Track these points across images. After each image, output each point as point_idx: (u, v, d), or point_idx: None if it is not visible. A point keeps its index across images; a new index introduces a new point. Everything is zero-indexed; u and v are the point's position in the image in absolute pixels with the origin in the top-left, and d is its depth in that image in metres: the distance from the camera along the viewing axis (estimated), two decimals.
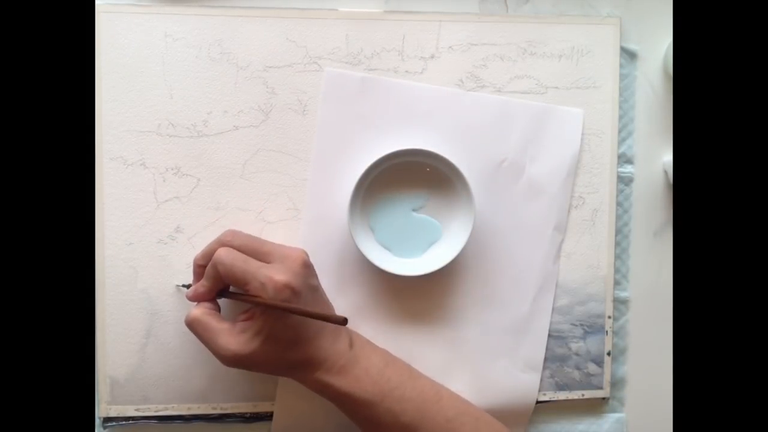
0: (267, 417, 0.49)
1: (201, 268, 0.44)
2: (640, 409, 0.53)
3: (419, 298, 0.50)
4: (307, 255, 0.43)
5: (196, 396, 0.49)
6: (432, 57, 0.50)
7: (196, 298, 0.44)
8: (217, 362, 0.49)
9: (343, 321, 0.40)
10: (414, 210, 0.49)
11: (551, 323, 0.51)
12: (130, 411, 0.48)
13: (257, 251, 0.43)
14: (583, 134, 0.51)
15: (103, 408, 0.48)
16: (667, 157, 0.53)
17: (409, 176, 0.48)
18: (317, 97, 0.49)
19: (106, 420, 0.48)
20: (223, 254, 0.41)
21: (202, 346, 0.49)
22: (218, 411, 0.49)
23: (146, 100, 0.47)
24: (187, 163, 0.48)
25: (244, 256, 0.42)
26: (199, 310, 0.43)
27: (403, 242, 0.49)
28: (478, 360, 0.50)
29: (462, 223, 0.47)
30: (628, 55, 0.52)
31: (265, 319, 0.41)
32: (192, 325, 0.43)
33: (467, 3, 0.51)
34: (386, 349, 0.47)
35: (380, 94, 0.49)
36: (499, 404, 0.50)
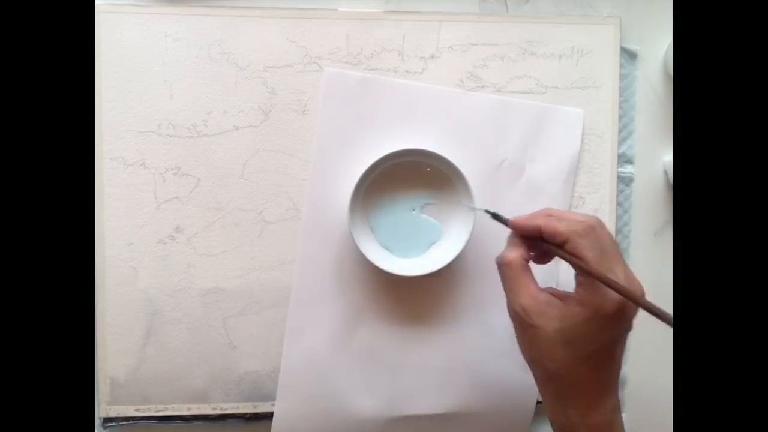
0: (267, 417, 0.49)
1: (544, 216, 0.39)
2: (640, 409, 0.53)
3: (419, 298, 0.50)
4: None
5: (196, 396, 0.49)
6: (432, 57, 0.50)
7: (521, 226, 0.39)
8: (218, 362, 0.49)
9: (671, 320, 0.34)
10: (414, 210, 0.49)
11: None
12: (130, 411, 0.48)
13: (609, 256, 0.37)
14: (583, 134, 0.51)
15: (103, 408, 0.48)
16: (667, 157, 0.53)
17: (409, 176, 0.48)
18: (317, 97, 0.49)
19: (106, 420, 0.48)
20: (595, 223, 0.37)
21: (202, 346, 0.49)
22: (218, 411, 0.49)
23: (146, 100, 0.47)
24: (187, 163, 0.48)
25: (600, 248, 0.37)
26: (516, 255, 0.39)
27: (403, 242, 0.49)
28: (479, 360, 0.50)
29: (462, 223, 0.47)
30: (628, 55, 0.52)
31: (578, 312, 0.36)
32: (504, 267, 0.39)
33: (467, 3, 0.51)
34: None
35: (380, 94, 0.49)
36: (500, 404, 0.50)
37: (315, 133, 0.49)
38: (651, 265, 0.53)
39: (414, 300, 0.50)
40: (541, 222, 0.38)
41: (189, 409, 0.49)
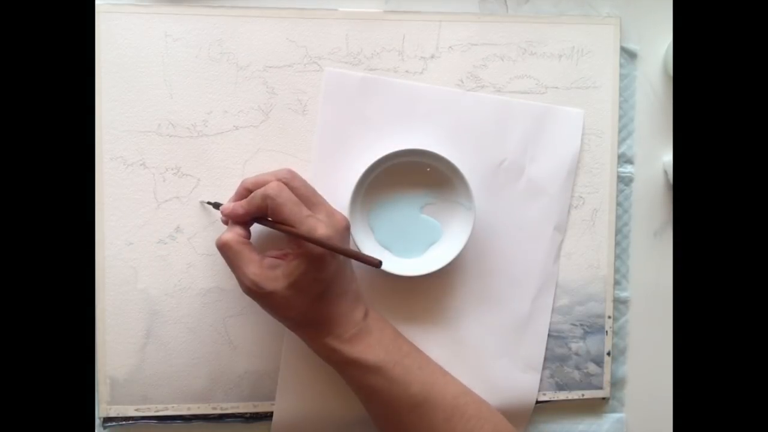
0: (267, 417, 0.49)
1: (246, 192, 0.43)
2: (640, 409, 0.53)
3: (419, 298, 0.50)
4: (349, 223, 0.43)
5: (196, 396, 0.49)
6: (432, 57, 0.50)
7: (231, 216, 0.42)
8: (217, 362, 0.49)
9: (378, 263, 0.40)
10: (414, 210, 0.49)
11: (551, 323, 0.51)
12: (130, 411, 0.48)
13: (308, 200, 0.42)
14: (583, 134, 0.51)
15: (103, 408, 0.48)
16: (667, 157, 0.53)
17: (409, 176, 0.48)
18: (317, 97, 0.49)
19: (106, 420, 0.48)
20: (277, 190, 0.40)
21: (202, 346, 0.49)
22: (218, 411, 0.49)
23: (146, 100, 0.47)
24: (187, 163, 0.48)
25: (296, 198, 0.41)
26: (232, 235, 0.42)
27: (403, 242, 0.49)
28: (478, 360, 0.50)
29: (462, 223, 0.47)
30: (628, 55, 0.52)
31: (298, 265, 0.40)
32: (223, 248, 0.42)
33: (467, 3, 0.51)
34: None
35: (380, 94, 0.49)
36: (499, 404, 0.50)
37: (315, 133, 0.49)
38: (651, 265, 0.53)
39: (414, 300, 0.50)
40: (237, 208, 0.42)
41: (189, 409, 0.49)
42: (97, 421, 0.48)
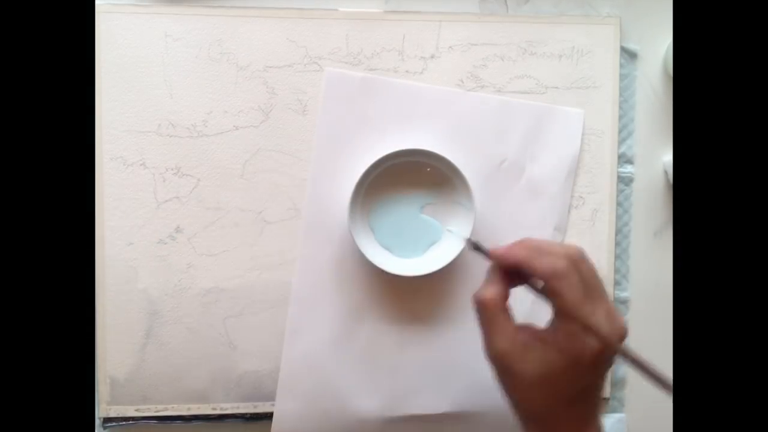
0: (267, 417, 0.49)
1: (524, 248, 0.37)
2: (640, 409, 0.53)
3: (419, 298, 0.50)
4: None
5: (196, 396, 0.49)
6: (432, 57, 0.50)
7: (501, 257, 0.37)
8: (218, 362, 0.49)
9: (671, 388, 0.33)
10: (414, 210, 0.49)
11: None
12: (130, 411, 0.48)
13: (591, 290, 0.36)
14: (583, 134, 0.51)
15: (103, 408, 0.48)
16: (667, 157, 0.53)
17: (410, 176, 0.48)
18: (317, 97, 0.49)
19: (106, 420, 0.48)
20: (569, 269, 0.35)
21: (202, 346, 0.49)
22: (218, 411, 0.49)
23: (146, 100, 0.47)
24: (187, 163, 0.48)
25: (582, 287, 0.35)
26: (493, 295, 0.37)
27: (403, 242, 0.49)
28: (478, 360, 0.50)
29: (462, 223, 0.47)
30: (628, 55, 0.52)
31: (557, 360, 0.35)
32: (481, 306, 0.37)
33: (467, 3, 0.51)
34: None
35: (380, 94, 0.49)
36: (500, 404, 0.50)
37: (315, 133, 0.49)
38: (651, 265, 0.53)
39: (414, 300, 0.50)
40: (521, 256, 0.37)
41: (189, 409, 0.49)
42: (97, 421, 0.48)
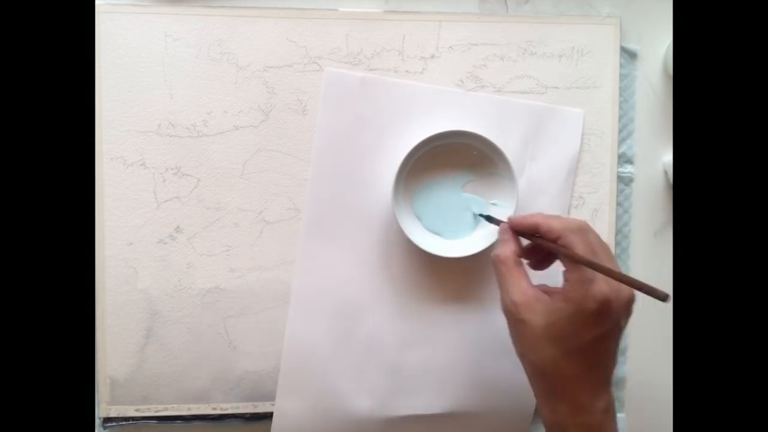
0: (267, 417, 0.49)
1: (538, 224, 0.40)
2: (640, 409, 0.53)
3: (419, 298, 0.50)
4: None
5: (196, 396, 0.49)
6: (432, 57, 0.50)
7: (517, 223, 0.41)
8: (218, 362, 0.49)
9: (665, 296, 0.33)
10: (456, 190, 0.49)
11: None
12: (130, 411, 0.48)
13: (599, 257, 0.38)
14: (583, 134, 0.51)
15: (103, 408, 0.48)
16: (667, 157, 0.53)
17: (444, 160, 0.48)
18: (317, 97, 0.49)
19: (106, 420, 0.48)
20: (583, 229, 0.38)
21: (202, 346, 0.49)
22: (218, 411, 0.49)
23: (146, 100, 0.47)
24: (187, 163, 0.48)
25: (590, 249, 0.38)
26: (509, 252, 0.41)
27: (450, 224, 0.49)
28: (479, 359, 0.50)
29: (506, 195, 0.48)
30: (628, 55, 0.52)
31: (563, 308, 0.37)
32: (500, 263, 0.40)
33: (467, 3, 0.51)
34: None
35: (380, 94, 0.49)
36: (500, 404, 0.50)
37: (315, 133, 0.49)
38: (651, 265, 0.53)
39: (414, 300, 0.50)
40: (538, 218, 0.41)
41: (189, 409, 0.49)
42: (97, 421, 0.48)
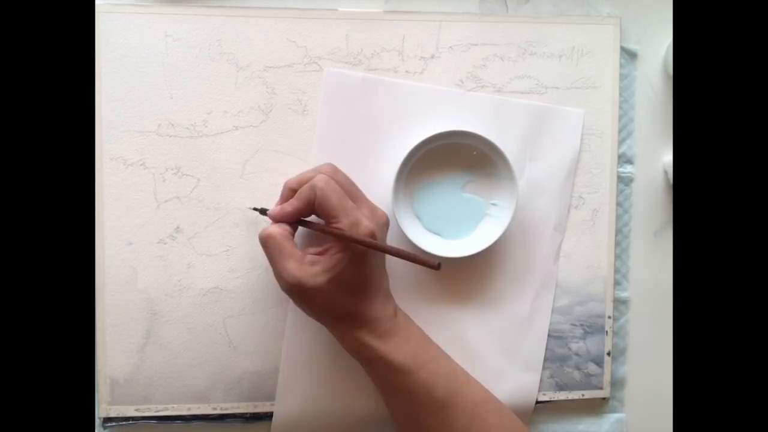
0: (267, 417, 0.49)
1: (291, 191, 0.43)
2: (640, 409, 0.53)
3: (419, 297, 0.50)
4: (389, 218, 0.44)
5: (196, 396, 0.49)
6: (432, 57, 0.50)
7: (281, 217, 0.43)
8: (218, 362, 0.49)
9: (438, 265, 0.40)
10: (456, 191, 0.49)
11: (551, 323, 0.51)
12: (130, 411, 0.48)
13: (351, 194, 0.43)
14: (583, 134, 0.51)
15: (103, 408, 0.48)
16: (667, 157, 0.53)
17: (445, 160, 0.48)
18: (317, 97, 0.49)
19: (106, 420, 0.48)
20: (324, 182, 0.41)
21: (202, 346, 0.49)
22: (218, 411, 0.49)
23: (146, 100, 0.47)
24: (187, 163, 0.48)
25: (342, 191, 0.42)
26: (277, 228, 0.42)
27: (450, 224, 0.49)
28: (478, 359, 0.50)
29: (505, 194, 0.48)
30: (628, 55, 0.52)
31: (340, 260, 0.41)
32: (266, 240, 0.42)
33: (467, 3, 0.51)
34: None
35: (380, 94, 0.49)
36: None
37: (315, 133, 0.49)
38: (651, 265, 0.53)
39: (413, 300, 0.50)
40: (296, 206, 0.42)
41: (189, 409, 0.49)
42: (97, 421, 0.48)
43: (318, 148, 0.49)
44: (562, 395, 0.52)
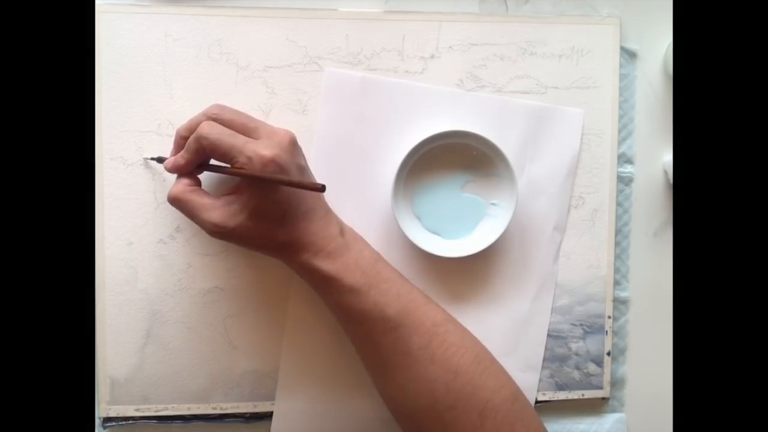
0: (267, 417, 0.50)
1: (183, 140, 0.43)
2: (640, 409, 0.53)
3: None
4: (294, 135, 0.43)
5: (196, 396, 0.49)
6: (432, 57, 0.50)
7: (176, 170, 0.43)
8: (218, 362, 0.49)
9: (322, 187, 0.39)
10: (456, 191, 0.49)
11: (551, 323, 0.51)
12: (130, 411, 0.48)
13: (245, 127, 0.42)
14: (583, 134, 0.51)
15: (103, 408, 0.48)
16: (667, 157, 0.53)
17: (444, 161, 0.48)
18: (317, 97, 0.49)
19: (106, 420, 0.48)
20: (207, 128, 0.40)
21: (202, 346, 0.49)
22: (218, 411, 0.49)
23: (146, 100, 0.48)
24: None
25: (230, 130, 0.41)
26: (179, 187, 0.42)
27: (450, 224, 0.49)
28: None
29: (505, 194, 0.48)
30: (628, 55, 0.52)
31: (251, 194, 0.40)
32: (174, 202, 0.42)
33: (467, 3, 0.51)
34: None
35: (380, 94, 0.49)
36: None
37: (315, 133, 0.49)
38: (651, 265, 0.53)
39: None
40: (189, 157, 0.42)
41: (189, 409, 0.49)
42: (97, 421, 0.48)
43: (318, 148, 0.49)
44: (561, 395, 0.52)
